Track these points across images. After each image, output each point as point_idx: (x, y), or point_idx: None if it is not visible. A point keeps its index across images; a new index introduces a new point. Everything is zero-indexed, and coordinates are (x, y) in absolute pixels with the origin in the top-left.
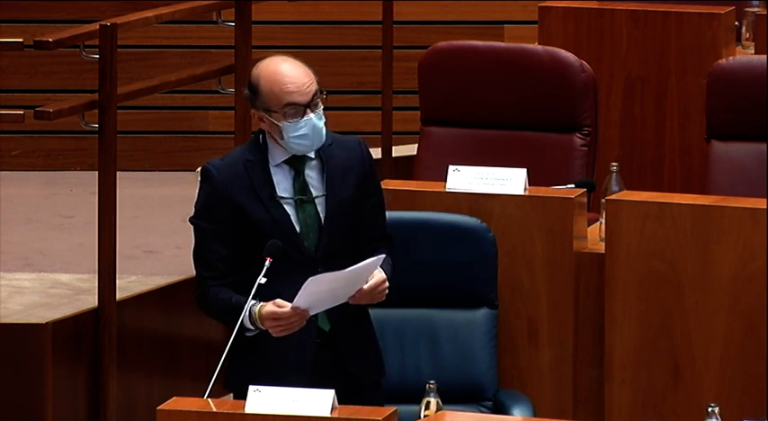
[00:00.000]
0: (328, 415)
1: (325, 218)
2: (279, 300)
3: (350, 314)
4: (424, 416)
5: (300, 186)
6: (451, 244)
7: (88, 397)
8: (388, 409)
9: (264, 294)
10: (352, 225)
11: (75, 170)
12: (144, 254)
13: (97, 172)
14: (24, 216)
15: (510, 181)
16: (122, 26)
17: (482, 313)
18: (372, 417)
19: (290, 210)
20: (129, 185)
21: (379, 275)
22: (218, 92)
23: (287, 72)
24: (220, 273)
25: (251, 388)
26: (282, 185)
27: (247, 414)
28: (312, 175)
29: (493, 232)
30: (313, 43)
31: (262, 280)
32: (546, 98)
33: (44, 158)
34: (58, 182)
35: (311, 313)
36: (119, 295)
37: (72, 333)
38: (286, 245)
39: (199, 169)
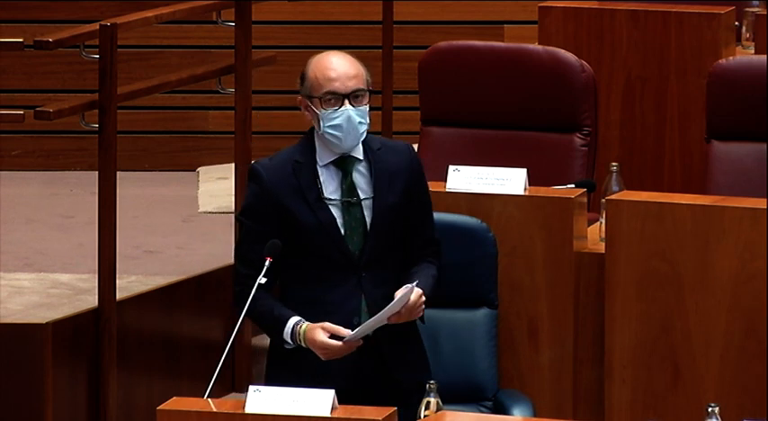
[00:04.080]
0: (328, 415)
1: (372, 221)
2: (330, 327)
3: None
4: (424, 416)
5: (348, 188)
6: (451, 244)
7: (88, 397)
8: (388, 409)
9: (307, 298)
10: (397, 231)
11: (75, 170)
12: (144, 254)
13: (97, 172)
14: (24, 216)
15: (510, 181)
16: (122, 26)
17: (482, 313)
18: (372, 417)
19: (335, 211)
20: (129, 185)
21: (416, 292)
22: (218, 92)
23: (334, 61)
24: (259, 273)
25: (251, 388)
26: (330, 187)
27: (247, 414)
28: (360, 178)
29: (493, 232)
30: (313, 43)
31: (262, 280)
32: (546, 98)
33: (44, 158)
34: (57, 182)
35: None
36: (119, 295)
37: (72, 333)
38: (330, 247)
39: (199, 169)
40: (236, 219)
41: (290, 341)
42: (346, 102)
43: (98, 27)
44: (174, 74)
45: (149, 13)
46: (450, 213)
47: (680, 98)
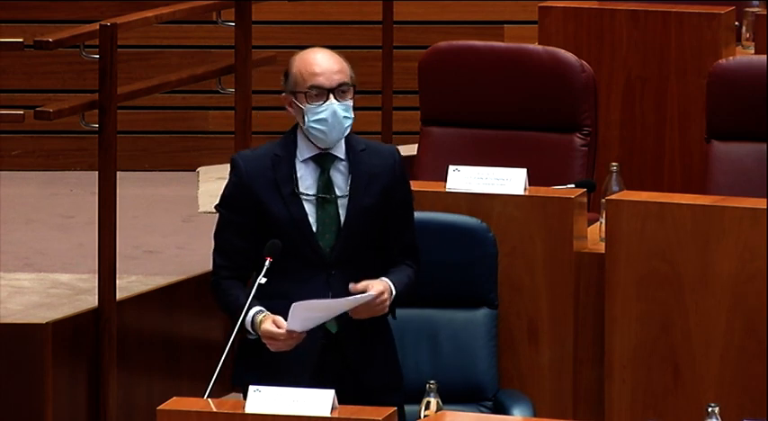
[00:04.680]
0: (328, 415)
1: (345, 220)
2: (278, 319)
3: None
4: (424, 416)
5: (324, 184)
6: (451, 244)
7: (88, 397)
8: (388, 409)
9: (275, 293)
10: (371, 232)
11: (75, 170)
12: (144, 254)
13: (97, 172)
14: (24, 216)
15: (510, 181)
16: (122, 26)
17: (482, 313)
18: (372, 417)
19: (309, 207)
20: (129, 185)
21: (378, 287)
22: (218, 92)
23: (318, 57)
24: (234, 264)
25: (251, 388)
26: (306, 182)
27: (247, 414)
28: (338, 176)
29: (493, 232)
30: (313, 43)
31: (262, 280)
32: (546, 98)
33: (44, 158)
34: (57, 182)
35: (306, 330)
36: (119, 295)
37: (72, 333)
38: (301, 242)
39: (199, 169)
40: (215, 208)
41: (251, 330)
42: (331, 96)
43: (98, 27)
44: (174, 74)
45: (149, 13)
46: (451, 213)
47: (680, 98)
